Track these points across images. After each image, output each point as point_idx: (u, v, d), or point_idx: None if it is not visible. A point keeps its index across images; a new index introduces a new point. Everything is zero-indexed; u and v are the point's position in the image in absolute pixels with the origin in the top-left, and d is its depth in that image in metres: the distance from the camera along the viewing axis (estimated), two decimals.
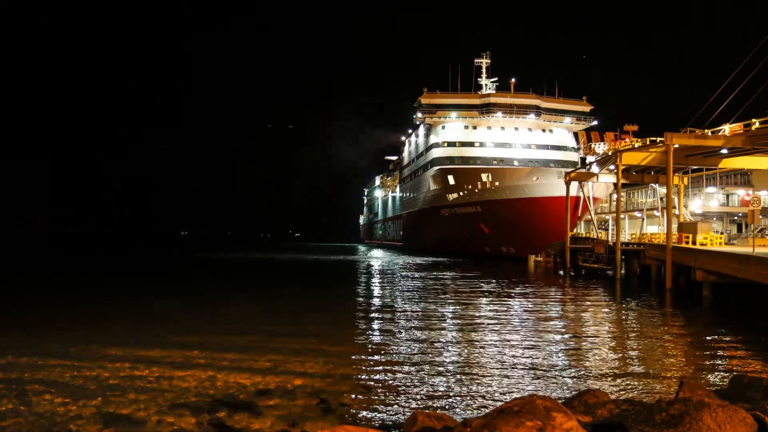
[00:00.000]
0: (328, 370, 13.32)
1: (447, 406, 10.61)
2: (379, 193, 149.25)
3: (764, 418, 6.59)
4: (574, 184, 54.61)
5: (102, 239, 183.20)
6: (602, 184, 55.36)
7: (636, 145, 57.26)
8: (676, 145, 37.47)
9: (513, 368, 13.80)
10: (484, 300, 28.52)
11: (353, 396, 11.35)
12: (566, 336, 19.18)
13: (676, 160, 39.72)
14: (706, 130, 40.29)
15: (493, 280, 39.73)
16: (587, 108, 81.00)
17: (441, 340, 17.74)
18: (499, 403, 8.86)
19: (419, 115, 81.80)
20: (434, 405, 10.66)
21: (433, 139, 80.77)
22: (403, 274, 48.09)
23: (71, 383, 11.89)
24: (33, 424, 9.44)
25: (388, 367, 13.74)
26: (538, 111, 78.11)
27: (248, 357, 14.48)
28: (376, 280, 42.42)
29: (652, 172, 50.69)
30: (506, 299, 29.07)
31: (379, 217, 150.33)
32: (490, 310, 24.56)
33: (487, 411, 8.68)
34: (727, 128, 39.24)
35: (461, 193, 70.78)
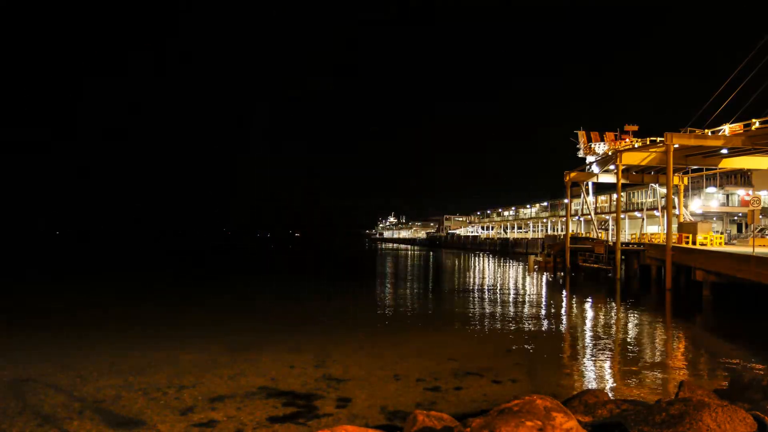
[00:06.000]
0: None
1: (447, 406, 10.60)
2: None
3: (764, 418, 6.58)
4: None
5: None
6: None
7: (636, 145, 57.38)
8: (676, 145, 37.49)
9: (513, 368, 13.79)
10: (479, 299, 28.50)
11: (352, 395, 11.35)
12: (566, 336, 19.18)
13: (676, 160, 39.74)
14: (706, 130, 40.32)
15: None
16: None
17: (439, 339, 17.72)
18: (499, 403, 8.84)
19: None
20: (434, 405, 10.65)
21: None
22: None
23: None
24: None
25: (384, 367, 13.74)
26: None
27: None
28: None
29: (652, 172, 50.75)
30: (504, 299, 29.04)
31: None
32: (488, 310, 24.56)
33: (487, 411, 8.66)
34: (727, 128, 39.27)
35: None
